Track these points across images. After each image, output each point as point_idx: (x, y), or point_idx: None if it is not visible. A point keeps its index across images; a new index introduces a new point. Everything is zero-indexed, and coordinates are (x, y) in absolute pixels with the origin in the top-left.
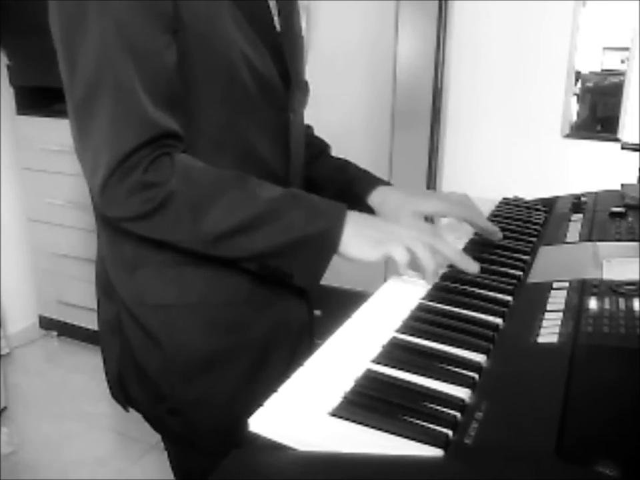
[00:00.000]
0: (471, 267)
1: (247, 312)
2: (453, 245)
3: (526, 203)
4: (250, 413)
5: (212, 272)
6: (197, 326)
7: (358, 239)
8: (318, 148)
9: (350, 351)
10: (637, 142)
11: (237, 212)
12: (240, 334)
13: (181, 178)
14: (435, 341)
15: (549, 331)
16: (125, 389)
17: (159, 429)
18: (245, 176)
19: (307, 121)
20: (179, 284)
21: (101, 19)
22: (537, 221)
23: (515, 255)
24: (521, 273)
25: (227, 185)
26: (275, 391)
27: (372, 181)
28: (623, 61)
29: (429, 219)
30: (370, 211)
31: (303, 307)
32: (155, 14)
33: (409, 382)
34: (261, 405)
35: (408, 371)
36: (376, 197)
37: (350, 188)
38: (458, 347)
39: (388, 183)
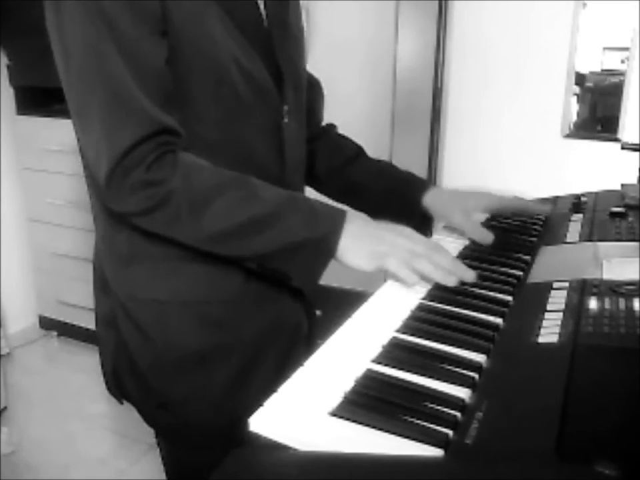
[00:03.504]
0: (467, 275)
1: (239, 310)
2: (449, 255)
3: None
4: (243, 412)
5: (205, 269)
6: (188, 322)
7: (356, 247)
8: (351, 149)
9: (350, 351)
10: (637, 142)
11: (235, 213)
12: (231, 332)
13: (182, 177)
14: (435, 340)
15: (549, 331)
16: (120, 382)
17: (150, 422)
18: (246, 177)
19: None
20: (172, 280)
21: (91, 20)
22: (537, 221)
23: (515, 254)
24: (521, 273)
25: (227, 186)
26: (274, 390)
27: (422, 183)
28: (623, 61)
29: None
30: (421, 212)
31: (299, 309)
32: (143, 15)
33: (409, 382)
34: (261, 405)
35: (408, 370)
36: (428, 198)
37: (400, 190)
38: (458, 346)
39: (434, 185)
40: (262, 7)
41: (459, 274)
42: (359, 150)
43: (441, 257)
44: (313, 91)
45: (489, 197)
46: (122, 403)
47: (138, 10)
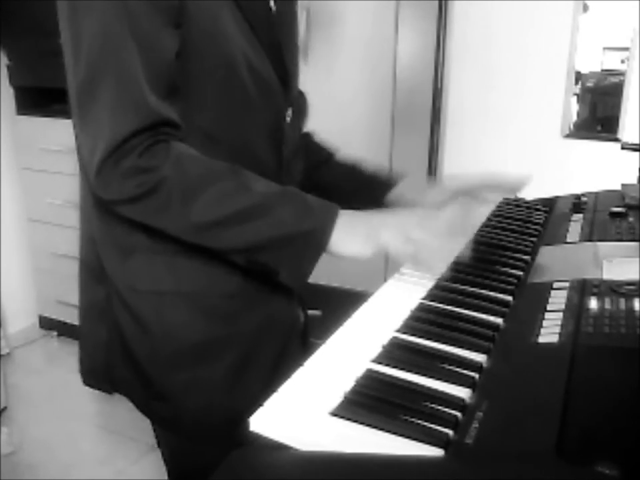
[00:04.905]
0: (464, 253)
1: (237, 304)
2: (442, 222)
3: (526, 202)
4: (239, 405)
5: (205, 262)
6: (186, 315)
7: (350, 237)
8: (324, 154)
9: (350, 351)
10: (637, 142)
11: (225, 203)
12: (229, 326)
13: (174, 165)
14: (435, 340)
15: (550, 331)
16: (112, 373)
17: (146, 412)
18: (238, 168)
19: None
20: (172, 272)
21: (107, 8)
22: (537, 220)
23: (516, 254)
24: (521, 273)
25: (218, 176)
26: (275, 390)
27: (387, 183)
28: (623, 61)
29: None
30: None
31: (295, 306)
32: (160, 6)
33: (409, 382)
34: (261, 405)
35: (408, 370)
36: (395, 196)
37: (364, 191)
38: (458, 346)
39: (402, 177)
40: (273, 8)
41: (454, 239)
42: (334, 152)
43: (434, 224)
44: (301, 99)
45: (460, 179)
46: (111, 394)
47: (155, 1)
